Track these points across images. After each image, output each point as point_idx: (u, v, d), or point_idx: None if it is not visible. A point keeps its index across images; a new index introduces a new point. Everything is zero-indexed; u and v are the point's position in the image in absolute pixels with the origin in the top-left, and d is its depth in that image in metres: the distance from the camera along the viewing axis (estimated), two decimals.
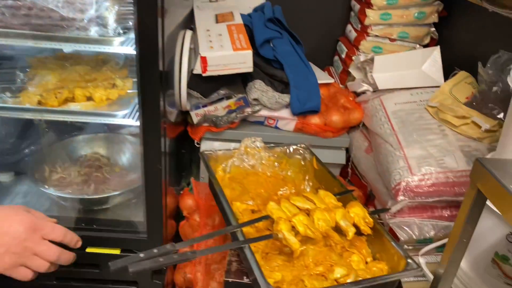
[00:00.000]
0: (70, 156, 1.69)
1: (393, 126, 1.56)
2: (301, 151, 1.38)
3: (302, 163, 1.36)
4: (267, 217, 1.04)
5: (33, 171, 1.54)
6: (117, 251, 1.49)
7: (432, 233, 1.42)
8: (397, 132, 1.54)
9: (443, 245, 1.33)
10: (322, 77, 1.90)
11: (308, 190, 1.30)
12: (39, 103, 1.33)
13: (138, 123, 1.27)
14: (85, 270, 1.51)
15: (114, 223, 1.50)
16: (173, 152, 1.59)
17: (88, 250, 1.48)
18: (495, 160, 0.75)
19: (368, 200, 1.77)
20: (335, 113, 1.75)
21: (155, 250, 0.88)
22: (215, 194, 1.15)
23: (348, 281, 0.96)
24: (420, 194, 1.38)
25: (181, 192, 1.76)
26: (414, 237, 1.41)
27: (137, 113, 1.29)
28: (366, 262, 1.06)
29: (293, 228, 1.00)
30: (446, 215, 1.43)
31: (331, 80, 1.87)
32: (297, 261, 1.01)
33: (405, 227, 1.42)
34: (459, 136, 1.49)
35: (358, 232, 1.06)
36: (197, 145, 1.70)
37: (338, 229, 1.06)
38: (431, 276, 1.11)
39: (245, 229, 1.07)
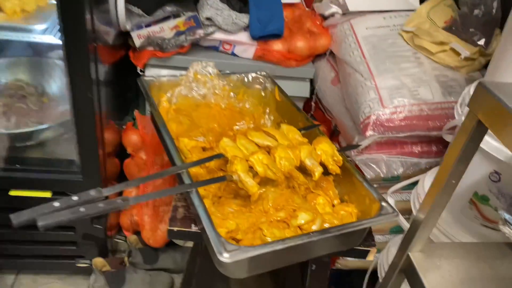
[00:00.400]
0: None
1: (363, 53, 1.39)
2: (261, 79, 1.19)
3: (262, 93, 1.18)
4: (220, 156, 0.87)
5: None
6: (47, 194, 1.29)
7: (400, 170, 1.32)
8: (368, 60, 1.37)
9: (413, 184, 1.23)
10: None
11: (269, 125, 1.13)
12: None
13: (60, 42, 1.03)
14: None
15: (43, 162, 1.29)
16: (111, 81, 1.36)
17: (12, 193, 1.27)
18: (502, 84, 0.60)
19: (332, 136, 1.64)
20: (300, 39, 1.55)
21: (74, 198, 0.70)
22: (157, 129, 0.96)
23: (313, 227, 0.82)
24: (391, 128, 1.24)
25: (124, 127, 1.54)
26: (382, 175, 1.30)
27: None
28: (333, 205, 0.93)
29: (251, 168, 0.84)
30: (417, 151, 1.32)
31: (296, 0, 1.65)
32: (255, 206, 0.85)
33: (372, 165, 1.30)
34: (435, 64, 1.34)
35: (325, 172, 0.92)
36: (141, 73, 1.46)
37: (302, 169, 0.91)
38: (406, 224, 1.01)
39: (194, 170, 0.89)
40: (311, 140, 0.96)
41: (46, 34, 1.07)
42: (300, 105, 1.76)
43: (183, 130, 1.01)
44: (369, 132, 1.24)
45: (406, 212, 1.38)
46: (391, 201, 1.14)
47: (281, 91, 1.15)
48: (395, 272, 0.86)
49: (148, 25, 1.41)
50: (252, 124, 1.06)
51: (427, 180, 1.15)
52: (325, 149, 0.91)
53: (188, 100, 1.07)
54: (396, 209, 0.82)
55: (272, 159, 0.86)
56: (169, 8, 1.40)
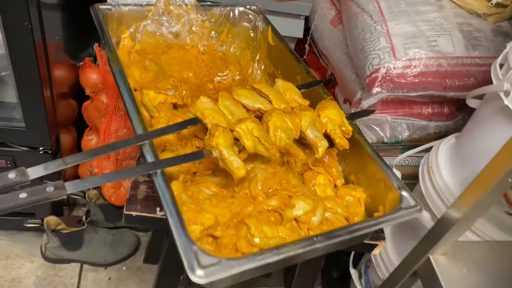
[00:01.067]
0: None
1: None
2: (251, 16, 0.94)
3: (251, 34, 0.94)
4: (195, 122, 0.66)
5: None
6: None
7: (405, 134, 1.13)
8: None
9: (422, 151, 1.06)
10: None
11: (258, 75, 0.90)
12: None
13: None
14: None
15: None
16: (62, 5, 1.08)
17: None
18: None
19: (326, 86, 1.42)
20: None
21: (11, 175, 0.48)
22: (114, 76, 0.72)
23: (314, 219, 0.64)
24: (402, 85, 1.04)
25: (81, 63, 1.28)
26: (385, 139, 1.11)
27: None
28: (335, 186, 0.74)
29: (237, 141, 0.63)
30: (426, 113, 1.13)
31: None
32: (240, 189, 0.66)
33: (374, 127, 1.11)
34: (459, 9, 1.12)
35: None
36: None
37: (300, 140, 0.71)
38: (429, 221, 0.84)
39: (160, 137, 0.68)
40: (312, 103, 0.75)
41: None
42: (292, 45, 1.52)
43: (149, 79, 0.78)
44: (376, 89, 1.03)
45: (404, 178, 1.23)
46: (397, 173, 0.97)
47: (275, 32, 0.92)
48: (407, 273, 0.70)
49: None
50: (239, 75, 0.83)
51: (442, 150, 0.98)
52: (332, 116, 0.71)
53: (156, 39, 0.82)
54: (419, 202, 0.64)
55: (265, 129, 0.65)
56: None
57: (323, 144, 0.68)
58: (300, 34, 1.43)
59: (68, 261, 1.32)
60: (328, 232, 0.57)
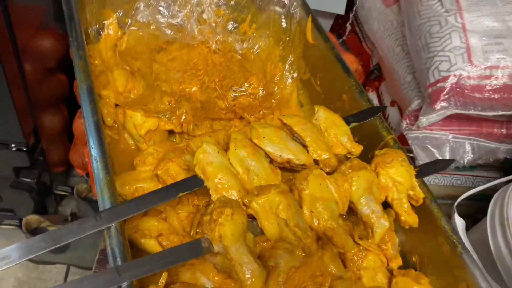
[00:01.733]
0: None
1: None
2: None
3: (284, 24, 0.69)
4: (193, 185, 0.43)
5: None
6: None
7: (468, 157, 0.89)
8: None
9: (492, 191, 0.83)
10: None
11: (288, 82, 0.66)
12: None
13: None
14: None
15: None
16: None
17: None
18: None
19: (368, 78, 1.16)
20: None
21: None
22: (79, 97, 0.49)
23: None
24: (477, 101, 0.79)
25: None
26: None
27: None
28: (391, 273, 0.52)
29: (252, 220, 0.41)
30: (498, 134, 0.88)
31: None
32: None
33: (431, 148, 0.86)
34: None
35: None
36: None
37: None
38: None
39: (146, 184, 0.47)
40: (363, 138, 0.52)
41: None
42: (328, 23, 1.25)
43: (137, 92, 0.55)
44: (441, 103, 0.79)
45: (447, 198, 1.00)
46: (459, 223, 0.74)
47: (316, 25, 0.67)
48: None
49: None
50: (262, 90, 0.59)
51: None
52: (398, 177, 0.48)
53: (151, 32, 0.58)
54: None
55: (296, 202, 0.43)
56: None
57: (382, 224, 0.46)
58: (341, 10, 1.16)
59: (53, 263, 1.16)
60: None
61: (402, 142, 0.91)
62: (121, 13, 0.61)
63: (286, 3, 0.69)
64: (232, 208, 0.39)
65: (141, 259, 0.37)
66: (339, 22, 1.26)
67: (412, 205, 0.50)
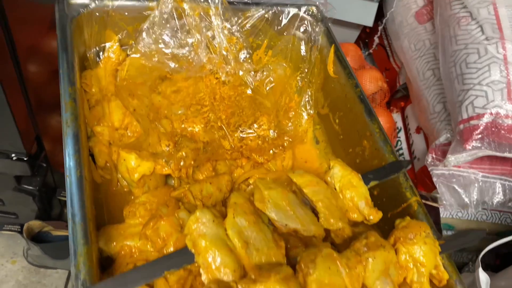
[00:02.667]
0: None
1: None
2: (306, 23, 0.62)
3: (303, 52, 0.62)
4: (182, 261, 0.38)
5: None
6: None
7: (498, 199, 0.81)
8: (499, 3, 0.77)
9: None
10: None
11: (304, 119, 0.60)
12: None
13: None
14: None
15: None
16: None
17: None
18: None
19: (394, 97, 1.08)
20: None
21: None
22: (63, 141, 0.44)
23: None
24: None
25: None
26: (471, 208, 0.80)
27: None
28: None
29: None
30: None
31: None
32: None
33: (458, 188, 0.79)
34: None
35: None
36: None
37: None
38: None
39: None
40: (382, 193, 0.46)
41: None
42: (355, 34, 1.17)
43: (132, 133, 0.50)
44: (473, 143, 0.71)
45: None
46: (483, 278, 0.67)
47: (339, 57, 0.60)
48: None
49: None
50: (273, 132, 0.53)
51: None
52: (421, 256, 0.41)
53: (154, 60, 0.52)
54: None
55: None
56: None
57: None
58: (370, 22, 1.08)
59: (53, 268, 1.13)
60: None
61: (426, 174, 0.85)
62: (123, 35, 0.55)
63: (308, 28, 0.62)
64: None
65: None
66: (366, 32, 1.18)
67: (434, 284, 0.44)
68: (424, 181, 0.88)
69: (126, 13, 0.55)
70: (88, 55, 0.54)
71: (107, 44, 0.55)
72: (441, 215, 0.89)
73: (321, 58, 0.61)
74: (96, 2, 0.53)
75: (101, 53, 0.56)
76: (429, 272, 0.42)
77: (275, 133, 0.53)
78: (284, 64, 0.59)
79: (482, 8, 0.77)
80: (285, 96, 0.59)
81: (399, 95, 1.07)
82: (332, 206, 0.43)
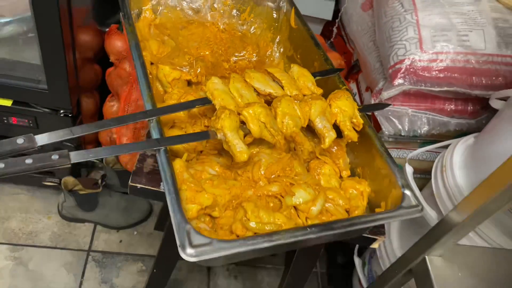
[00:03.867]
0: None
1: None
2: None
3: (274, 15, 0.92)
4: (204, 102, 0.66)
5: None
6: (7, 103, 1.09)
7: (425, 129, 1.11)
8: None
9: (440, 148, 1.04)
10: None
11: (276, 57, 0.89)
12: None
13: None
14: None
15: (4, 65, 1.07)
16: None
17: None
18: None
19: (351, 72, 1.40)
20: None
21: (19, 140, 0.50)
22: (130, 49, 0.73)
23: (313, 209, 0.64)
24: (426, 79, 1.01)
25: (107, 30, 1.29)
26: (403, 132, 1.09)
27: None
28: (341, 177, 0.74)
29: (243, 124, 0.63)
30: (448, 109, 1.10)
31: None
32: (243, 171, 0.67)
33: (393, 119, 1.09)
34: (496, 4, 1.07)
35: (337, 134, 0.71)
36: None
37: (309, 128, 0.70)
38: (435, 220, 0.83)
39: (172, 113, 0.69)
40: (327, 91, 0.74)
41: None
42: (319, 28, 1.50)
43: (166, 54, 0.78)
44: (398, 80, 1.01)
45: (420, 172, 1.21)
46: (409, 170, 0.95)
47: (298, 15, 0.90)
48: (402, 271, 0.70)
49: None
50: (256, 56, 0.83)
51: (458, 149, 0.96)
52: (344, 107, 0.70)
53: (177, 13, 0.82)
54: (422, 202, 0.64)
55: (273, 115, 0.65)
56: None
57: (330, 135, 0.67)
58: (329, 16, 1.41)
59: (82, 220, 1.37)
60: (323, 223, 0.57)
61: (373, 118, 1.13)
62: (155, 1, 0.85)
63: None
64: (229, 111, 0.61)
65: (170, 137, 0.59)
66: (328, 28, 1.50)
67: (356, 131, 0.72)
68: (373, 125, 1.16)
69: None
70: (132, 13, 0.84)
71: (144, 8, 0.85)
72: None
73: (286, 18, 0.92)
74: None
75: (140, 14, 0.85)
76: (350, 116, 0.70)
77: (256, 57, 0.82)
78: (262, 21, 0.89)
79: None
80: (263, 41, 0.88)
81: (355, 70, 1.38)
82: (292, 83, 0.71)
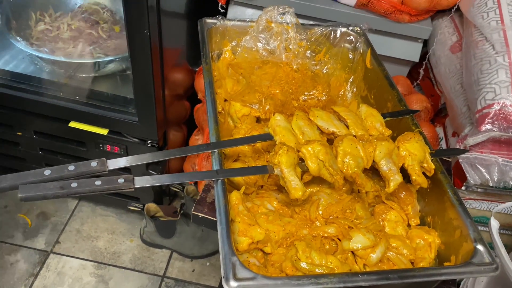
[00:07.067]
0: (63, 3, 1.34)
1: (502, 17, 1.03)
2: (352, 37, 0.93)
3: (350, 55, 0.92)
4: (266, 137, 0.67)
5: (14, 16, 1.23)
6: (103, 131, 1.22)
7: None
8: (508, 28, 1.01)
9: None
10: None
11: (348, 97, 0.88)
12: None
13: None
14: (70, 145, 1.28)
15: (103, 97, 1.20)
16: (182, 14, 1.19)
17: (72, 124, 1.22)
18: None
19: (438, 115, 1.32)
20: None
21: (70, 168, 0.56)
22: (204, 85, 0.78)
23: (372, 256, 0.60)
24: None
25: (197, 69, 1.40)
26: (491, 182, 0.99)
27: None
28: (408, 225, 0.69)
29: (302, 162, 0.63)
30: None
31: None
32: (300, 209, 0.66)
33: (480, 167, 0.99)
34: None
35: (407, 179, 0.67)
36: (221, 10, 1.27)
37: (376, 171, 0.68)
38: None
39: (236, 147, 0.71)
40: (399, 133, 0.71)
41: None
42: (406, 69, 1.45)
43: (238, 91, 0.82)
44: (485, 126, 0.93)
45: (506, 227, 1.08)
46: (494, 224, 0.86)
47: (374, 56, 0.89)
48: None
49: None
50: (325, 95, 0.83)
51: None
52: (414, 150, 0.66)
53: (253, 54, 0.86)
54: (497, 261, 0.57)
55: (333, 154, 0.64)
56: None
57: (396, 179, 0.64)
58: (416, 58, 1.36)
59: (160, 246, 1.44)
60: (377, 271, 0.54)
61: (459, 167, 1.05)
62: (234, 43, 0.90)
63: (353, 40, 0.93)
64: (288, 147, 0.62)
65: (229, 169, 0.61)
66: (416, 70, 1.45)
67: (427, 176, 0.67)
68: (459, 173, 1.08)
69: (236, 29, 0.90)
70: (212, 54, 0.90)
71: (224, 49, 0.90)
72: (478, 208, 1.07)
73: (362, 58, 0.91)
74: (220, 22, 0.89)
75: (220, 55, 0.91)
76: (419, 160, 0.66)
77: (326, 96, 0.82)
78: (337, 61, 0.89)
79: (494, 33, 1.02)
80: (335, 79, 0.88)
81: (442, 114, 1.30)
82: (358, 123, 0.70)
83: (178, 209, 1.38)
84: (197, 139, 1.48)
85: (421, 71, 1.37)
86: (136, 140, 1.22)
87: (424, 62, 1.36)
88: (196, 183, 1.44)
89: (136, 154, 1.16)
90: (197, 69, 1.41)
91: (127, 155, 1.27)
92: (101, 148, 1.24)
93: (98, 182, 0.55)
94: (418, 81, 1.41)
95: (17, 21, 1.22)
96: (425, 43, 1.35)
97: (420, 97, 1.30)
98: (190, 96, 1.45)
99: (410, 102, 1.27)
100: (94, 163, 0.58)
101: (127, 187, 0.56)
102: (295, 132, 0.67)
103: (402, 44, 1.35)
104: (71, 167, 0.56)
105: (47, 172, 0.55)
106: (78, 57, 1.17)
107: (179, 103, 1.38)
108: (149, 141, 1.22)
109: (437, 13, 1.30)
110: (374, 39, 0.96)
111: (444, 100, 1.27)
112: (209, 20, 0.89)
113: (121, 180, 0.56)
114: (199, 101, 1.43)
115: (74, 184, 0.54)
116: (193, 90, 1.42)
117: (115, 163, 0.59)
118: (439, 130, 1.26)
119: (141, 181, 0.57)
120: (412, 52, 1.36)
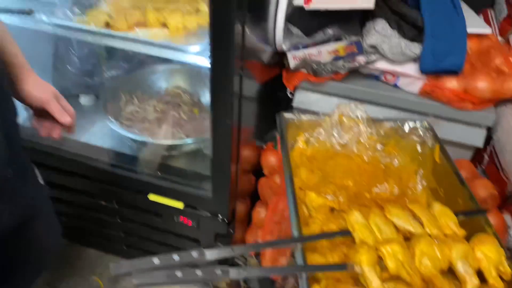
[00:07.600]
0: (150, 87, 1.51)
1: None
2: (420, 131, 0.99)
3: (419, 149, 0.98)
4: (345, 233, 0.73)
5: (108, 98, 1.40)
6: (179, 205, 1.31)
7: None
8: None
9: None
10: (474, 23, 1.39)
11: (419, 190, 0.92)
12: (107, 24, 1.12)
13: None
14: (147, 216, 1.39)
15: (181, 173, 1.31)
16: (257, 98, 1.31)
17: (151, 197, 1.33)
18: None
19: (505, 203, 1.31)
20: (483, 78, 1.26)
21: (175, 257, 0.64)
22: (285, 177, 0.85)
23: None
24: None
25: (265, 146, 1.49)
26: None
27: None
28: None
29: (380, 259, 0.67)
30: None
31: (487, 30, 1.35)
32: None
33: None
34: None
35: (482, 279, 0.69)
36: (290, 95, 1.38)
37: (450, 271, 0.70)
38: None
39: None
40: (471, 234, 0.74)
41: (200, 55, 1.06)
42: (469, 154, 1.46)
43: (313, 182, 0.89)
44: None
45: None
46: None
47: (443, 151, 0.94)
48: None
49: (305, 47, 1.31)
50: (397, 188, 0.88)
51: None
52: (489, 253, 0.69)
53: (325, 146, 0.94)
54: None
55: (411, 254, 0.68)
56: (330, 31, 1.27)
57: (473, 282, 0.66)
58: (480, 144, 1.38)
59: None
60: None
61: None
62: (307, 134, 0.98)
63: (421, 134, 0.99)
64: (368, 246, 0.66)
65: (313, 265, 0.66)
66: (479, 154, 1.47)
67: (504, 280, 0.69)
68: None
69: (310, 123, 0.99)
70: (288, 145, 0.98)
71: (298, 139, 0.99)
72: None
73: (430, 152, 0.96)
74: (296, 116, 0.98)
75: (294, 145, 0.99)
76: (495, 264, 0.68)
77: (399, 190, 0.87)
78: (406, 154, 0.95)
79: None
80: (406, 173, 0.93)
81: (510, 202, 1.29)
82: (433, 221, 0.74)
83: (241, 282, 1.43)
84: (259, 211, 1.54)
85: (486, 156, 1.38)
86: (208, 214, 1.31)
87: (488, 147, 1.37)
88: (258, 256, 1.49)
89: (207, 228, 1.24)
90: (263, 145, 1.51)
91: (198, 228, 1.36)
92: (175, 220, 1.33)
93: (199, 272, 0.62)
94: (483, 166, 1.42)
95: (112, 103, 1.38)
96: (489, 130, 1.38)
97: (486, 183, 1.30)
98: (255, 170, 1.54)
99: (475, 187, 1.27)
100: (194, 254, 0.65)
101: (224, 277, 0.63)
102: (372, 229, 0.72)
103: (465, 129, 1.38)
104: (176, 257, 0.64)
105: (156, 261, 0.63)
106: (162, 138, 1.30)
107: (247, 178, 1.47)
108: (220, 216, 1.30)
109: (501, 101, 1.33)
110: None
111: (511, 188, 1.27)
112: (287, 115, 0.98)
113: (218, 272, 0.63)
114: (263, 174, 1.52)
115: (179, 274, 0.62)
116: (258, 165, 1.51)
117: (213, 254, 0.66)
118: (507, 218, 1.25)
119: (235, 273, 0.64)
120: (476, 137, 1.38)
